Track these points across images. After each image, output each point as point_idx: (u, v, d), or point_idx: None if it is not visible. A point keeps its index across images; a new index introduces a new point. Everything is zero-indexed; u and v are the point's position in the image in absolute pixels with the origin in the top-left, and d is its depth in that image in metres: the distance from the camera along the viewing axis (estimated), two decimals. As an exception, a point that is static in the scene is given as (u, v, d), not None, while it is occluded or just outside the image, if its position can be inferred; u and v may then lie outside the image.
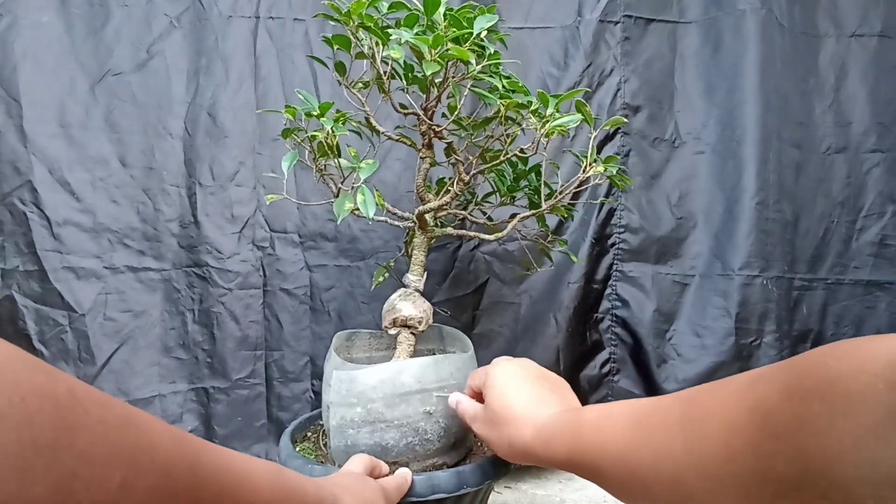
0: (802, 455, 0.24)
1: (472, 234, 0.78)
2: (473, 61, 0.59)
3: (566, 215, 0.81)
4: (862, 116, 1.05)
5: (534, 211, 0.74)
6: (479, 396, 0.59)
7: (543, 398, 0.51)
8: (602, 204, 1.05)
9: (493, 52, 0.62)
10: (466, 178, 0.70)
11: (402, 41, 0.58)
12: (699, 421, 0.30)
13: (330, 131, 0.59)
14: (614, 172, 0.69)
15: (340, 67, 0.68)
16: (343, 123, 0.61)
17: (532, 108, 0.63)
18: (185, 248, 1.01)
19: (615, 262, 1.06)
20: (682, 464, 0.31)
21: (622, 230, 1.06)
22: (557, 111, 0.63)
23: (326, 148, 0.60)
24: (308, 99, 0.63)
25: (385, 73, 0.65)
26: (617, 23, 1.05)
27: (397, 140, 0.72)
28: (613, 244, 1.06)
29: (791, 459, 0.24)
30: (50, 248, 0.98)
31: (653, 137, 1.07)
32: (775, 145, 1.02)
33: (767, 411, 0.26)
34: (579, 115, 0.63)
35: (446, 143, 0.71)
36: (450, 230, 0.77)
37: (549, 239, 0.86)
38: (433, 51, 0.57)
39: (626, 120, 0.71)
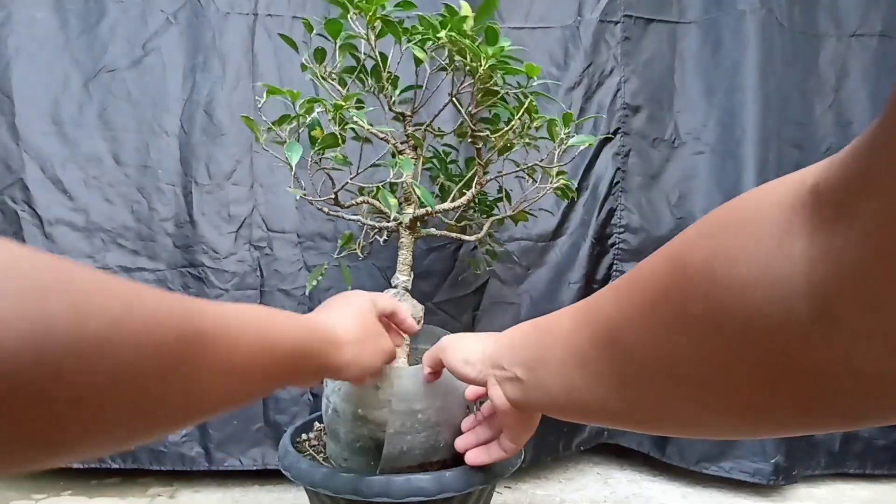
0: (714, 289, 0.24)
1: (453, 234, 0.78)
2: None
3: (525, 220, 0.84)
4: (862, 116, 1.06)
5: (503, 216, 0.80)
6: (439, 369, 0.60)
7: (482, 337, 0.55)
8: (602, 204, 1.04)
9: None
10: (484, 183, 0.72)
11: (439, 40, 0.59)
12: (630, 282, 0.31)
13: (337, 118, 0.59)
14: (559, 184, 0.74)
15: (320, 55, 0.68)
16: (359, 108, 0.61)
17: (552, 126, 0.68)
18: (180, 248, 0.99)
19: (615, 262, 1.06)
20: (614, 322, 0.32)
21: (622, 230, 1.05)
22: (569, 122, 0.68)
23: (332, 139, 0.60)
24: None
25: (377, 69, 0.65)
26: (617, 23, 1.04)
27: (381, 138, 0.71)
28: (613, 244, 1.06)
29: (705, 297, 0.25)
30: (42, 248, 0.96)
31: (653, 137, 1.06)
32: (775, 145, 1.02)
33: (681, 255, 0.27)
34: (591, 137, 0.71)
35: (476, 148, 0.72)
36: (433, 230, 0.77)
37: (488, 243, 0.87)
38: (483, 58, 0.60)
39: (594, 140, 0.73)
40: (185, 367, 0.27)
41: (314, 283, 0.80)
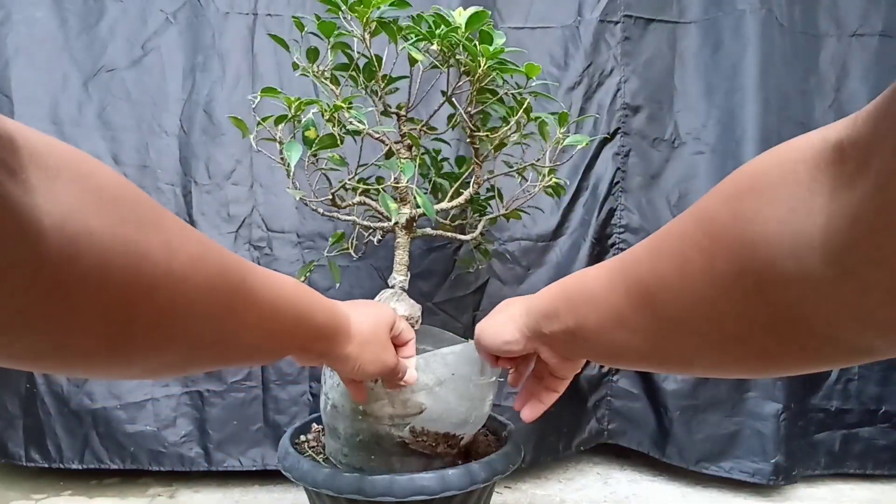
0: (738, 246, 0.26)
1: (448, 234, 0.78)
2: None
3: (518, 218, 0.85)
4: (862, 116, 1.05)
5: (495, 214, 0.80)
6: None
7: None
8: (602, 204, 1.04)
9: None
10: (482, 182, 0.72)
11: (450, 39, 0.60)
12: (660, 242, 0.33)
13: (336, 118, 0.59)
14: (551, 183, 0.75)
15: (313, 54, 0.68)
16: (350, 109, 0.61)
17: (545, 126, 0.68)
18: (180, 248, 0.99)
19: (615, 262, 1.05)
20: (648, 281, 0.33)
21: (622, 230, 1.05)
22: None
23: (330, 139, 0.60)
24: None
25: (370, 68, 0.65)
26: (617, 23, 1.04)
27: (377, 138, 0.71)
28: (613, 244, 1.06)
29: (729, 253, 0.26)
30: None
31: (653, 137, 1.06)
32: (775, 145, 1.01)
33: (709, 216, 0.28)
34: (586, 137, 0.71)
35: (474, 148, 0.72)
36: (429, 230, 0.77)
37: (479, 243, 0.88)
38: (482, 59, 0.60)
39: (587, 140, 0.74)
40: (235, 313, 0.32)
41: (301, 279, 0.80)
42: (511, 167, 0.76)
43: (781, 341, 0.27)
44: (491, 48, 0.61)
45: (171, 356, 0.30)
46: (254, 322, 0.34)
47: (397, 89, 0.73)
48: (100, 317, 0.23)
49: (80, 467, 0.97)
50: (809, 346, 0.26)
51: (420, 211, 0.71)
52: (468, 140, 0.72)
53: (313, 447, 0.75)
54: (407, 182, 0.64)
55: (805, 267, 0.23)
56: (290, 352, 0.44)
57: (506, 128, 0.68)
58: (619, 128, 1.05)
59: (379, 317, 0.56)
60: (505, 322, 0.54)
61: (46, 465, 0.97)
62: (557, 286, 0.48)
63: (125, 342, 0.25)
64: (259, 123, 0.64)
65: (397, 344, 0.61)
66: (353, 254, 0.79)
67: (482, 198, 0.82)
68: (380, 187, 0.68)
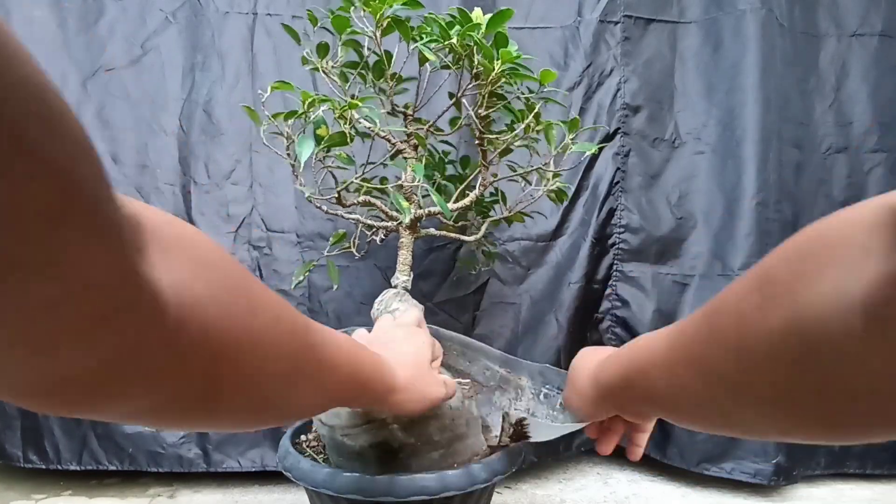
0: (792, 305, 0.26)
1: (452, 235, 0.78)
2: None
3: (521, 221, 0.85)
4: (863, 116, 1.06)
5: (499, 217, 0.81)
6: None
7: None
8: (602, 204, 1.04)
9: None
10: (488, 184, 0.72)
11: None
12: (720, 301, 0.33)
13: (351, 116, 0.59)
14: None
15: (323, 49, 0.68)
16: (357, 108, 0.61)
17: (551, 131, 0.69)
18: (179, 248, 0.99)
19: (615, 262, 1.05)
20: (703, 342, 0.34)
21: (622, 230, 1.05)
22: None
23: (341, 137, 0.60)
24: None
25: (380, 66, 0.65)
26: (617, 23, 1.04)
27: (384, 137, 0.71)
28: (613, 244, 1.06)
29: (784, 311, 0.27)
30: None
31: (653, 137, 1.06)
32: (775, 145, 1.02)
33: (768, 274, 0.29)
34: (593, 145, 0.73)
35: (481, 150, 0.72)
36: (432, 231, 0.77)
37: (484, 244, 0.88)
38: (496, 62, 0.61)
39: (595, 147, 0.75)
40: (300, 372, 0.34)
41: (300, 278, 0.80)
42: (514, 171, 0.76)
43: (833, 406, 0.26)
44: (512, 52, 0.61)
45: (245, 411, 0.32)
46: (317, 379, 0.36)
47: (406, 90, 0.73)
48: (200, 376, 0.26)
49: (78, 468, 0.97)
50: (857, 411, 0.26)
51: (425, 211, 0.71)
52: (476, 142, 0.72)
53: (313, 447, 0.75)
54: (419, 181, 0.64)
55: (848, 328, 0.23)
56: (337, 405, 0.45)
57: (516, 132, 0.68)
58: (619, 128, 1.05)
59: (418, 353, 0.55)
60: (579, 398, 0.56)
61: (44, 467, 0.97)
62: (624, 356, 0.48)
63: (215, 400, 0.28)
64: (270, 119, 0.64)
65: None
66: (355, 253, 0.79)
67: (486, 200, 0.82)
68: (390, 186, 0.68)
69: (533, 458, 1.02)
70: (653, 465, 1.07)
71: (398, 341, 0.55)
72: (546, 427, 0.63)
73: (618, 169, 1.05)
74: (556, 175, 0.73)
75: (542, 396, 0.64)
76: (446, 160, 0.82)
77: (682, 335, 0.37)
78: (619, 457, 1.12)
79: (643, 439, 0.60)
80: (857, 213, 0.25)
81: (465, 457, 0.66)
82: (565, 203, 1.03)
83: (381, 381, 0.47)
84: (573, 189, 1.03)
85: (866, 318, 0.22)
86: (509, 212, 0.78)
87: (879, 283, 0.22)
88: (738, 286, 0.31)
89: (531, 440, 0.63)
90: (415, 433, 0.63)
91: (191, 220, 0.98)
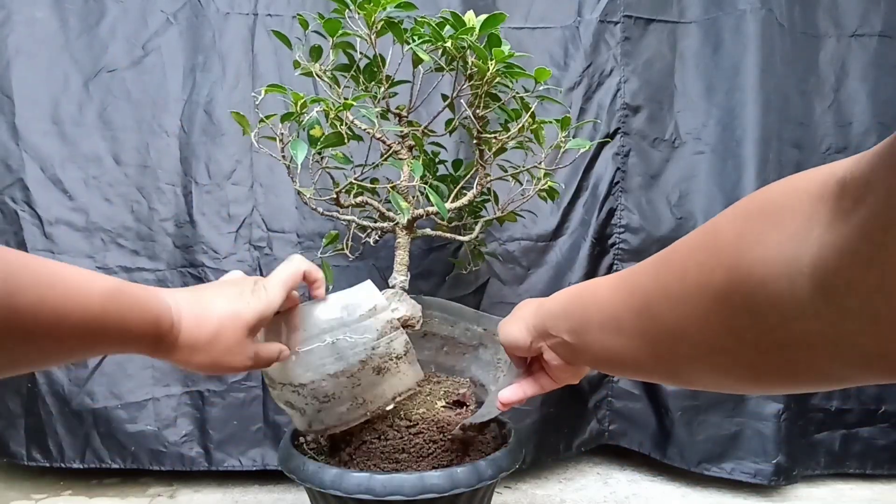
0: (736, 264, 0.28)
1: (447, 235, 0.78)
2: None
3: (514, 220, 0.86)
4: (862, 116, 1.06)
5: (492, 217, 0.81)
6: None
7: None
8: (602, 204, 1.04)
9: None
10: (486, 183, 0.72)
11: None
12: (667, 254, 0.35)
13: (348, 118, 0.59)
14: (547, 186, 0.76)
15: (316, 52, 0.68)
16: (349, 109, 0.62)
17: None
18: (180, 248, 0.99)
19: (615, 262, 1.06)
20: (649, 291, 0.35)
21: (622, 230, 1.05)
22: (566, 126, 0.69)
23: (336, 137, 0.60)
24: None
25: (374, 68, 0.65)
26: (617, 23, 1.04)
27: (378, 138, 0.71)
28: (614, 244, 1.06)
29: (727, 269, 0.28)
30: (42, 248, 0.96)
31: (653, 137, 1.06)
32: (775, 145, 1.02)
33: (716, 232, 0.30)
34: (587, 141, 0.72)
35: (478, 150, 0.72)
36: (428, 231, 0.77)
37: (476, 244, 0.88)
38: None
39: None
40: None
41: None
42: (506, 171, 0.76)
43: (766, 359, 0.28)
44: (504, 52, 0.61)
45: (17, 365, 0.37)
46: (31, 333, 0.36)
47: (396, 94, 0.73)
48: None
49: (81, 466, 0.97)
50: (790, 367, 0.28)
51: (422, 211, 0.71)
52: (474, 142, 0.72)
53: (313, 448, 0.75)
54: (420, 181, 0.64)
55: (794, 291, 0.25)
56: (99, 351, 0.46)
57: (512, 131, 0.68)
58: (619, 128, 1.05)
59: (228, 317, 0.51)
60: (516, 321, 0.55)
61: (48, 465, 0.97)
62: (569, 289, 0.50)
63: None
64: (261, 121, 0.65)
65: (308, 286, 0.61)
66: (349, 254, 0.79)
67: (477, 200, 0.82)
68: (388, 186, 0.68)
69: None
70: (653, 465, 1.07)
71: (207, 297, 0.52)
72: (479, 416, 0.65)
73: (618, 169, 1.05)
74: (546, 174, 0.73)
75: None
76: (437, 161, 0.82)
77: (627, 281, 0.39)
78: (620, 457, 1.13)
79: (549, 387, 0.57)
80: (804, 180, 0.26)
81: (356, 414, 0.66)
82: (565, 203, 1.03)
83: (153, 334, 0.46)
84: (573, 189, 1.03)
85: (813, 285, 0.24)
86: (501, 211, 0.79)
87: (824, 253, 0.23)
88: (688, 241, 0.33)
89: (482, 421, 0.65)
90: (282, 401, 0.65)
91: (192, 220, 0.99)
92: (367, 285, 0.64)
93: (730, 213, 0.30)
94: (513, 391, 0.59)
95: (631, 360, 0.39)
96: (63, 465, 0.97)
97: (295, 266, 0.59)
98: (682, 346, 0.33)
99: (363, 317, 0.62)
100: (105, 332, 0.41)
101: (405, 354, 0.64)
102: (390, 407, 0.66)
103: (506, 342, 0.57)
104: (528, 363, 0.60)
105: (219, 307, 0.51)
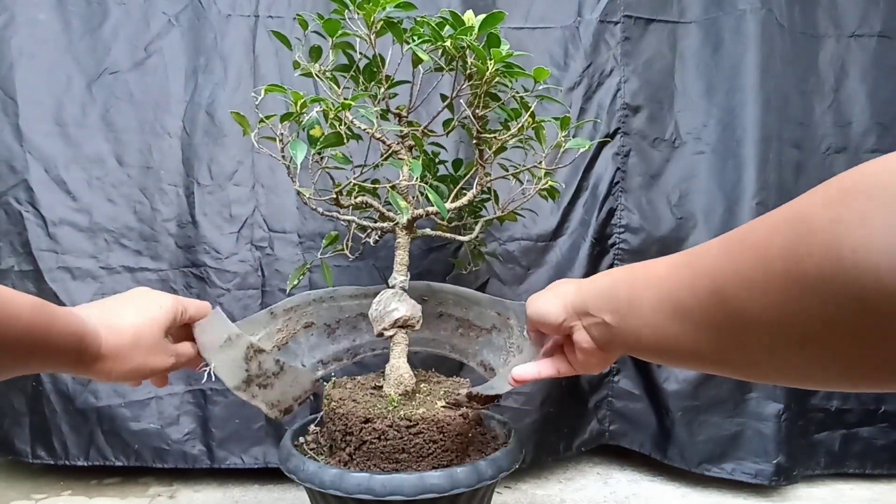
0: (834, 251, 0.25)
1: (447, 235, 0.78)
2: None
3: (514, 220, 0.86)
4: (862, 116, 1.06)
5: (492, 217, 0.81)
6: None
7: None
8: (602, 204, 1.04)
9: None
10: (485, 182, 0.72)
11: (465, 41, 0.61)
12: (742, 237, 0.32)
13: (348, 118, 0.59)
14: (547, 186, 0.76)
15: (316, 52, 0.68)
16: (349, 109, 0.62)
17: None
18: (182, 248, 1.00)
19: (615, 262, 1.06)
20: (720, 275, 0.32)
21: (622, 230, 1.06)
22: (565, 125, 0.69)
23: (336, 137, 0.60)
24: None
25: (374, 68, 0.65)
26: (617, 23, 1.05)
27: (378, 138, 0.72)
28: (614, 244, 1.06)
29: (823, 256, 0.26)
30: (45, 248, 0.97)
31: (653, 137, 1.06)
32: (775, 145, 1.02)
33: (804, 216, 0.28)
34: (587, 141, 0.71)
35: (478, 150, 0.72)
36: (428, 231, 0.78)
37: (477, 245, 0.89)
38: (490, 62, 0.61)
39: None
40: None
41: (295, 282, 0.81)
42: (506, 170, 0.77)
43: (867, 351, 0.26)
44: (502, 52, 0.61)
45: None
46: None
47: (396, 94, 0.74)
48: None
49: (84, 464, 0.98)
50: (890, 359, 0.25)
51: (422, 211, 0.71)
52: (474, 142, 0.72)
53: (313, 448, 0.75)
54: (419, 181, 0.65)
55: None
56: (25, 370, 0.45)
57: (512, 130, 0.68)
58: (619, 128, 1.05)
59: (144, 323, 0.54)
60: (552, 296, 0.53)
61: (52, 462, 0.98)
62: (617, 269, 0.46)
63: None
64: (261, 122, 0.65)
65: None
66: (349, 255, 0.80)
67: (477, 200, 0.83)
68: (387, 186, 0.69)
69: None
70: (653, 465, 1.08)
71: (115, 308, 0.54)
72: (488, 387, 0.64)
73: (618, 169, 1.05)
74: (547, 174, 0.73)
75: (526, 333, 0.64)
76: (436, 161, 0.83)
77: (689, 263, 0.36)
78: (620, 456, 1.13)
79: (568, 372, 0.55)
80: None
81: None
82: (565, 203, 1.04)
83: (80, 351, 0.47)
84: (573, 189, 1.03)
85: None
86: (502, 211, 0.79)
87: None
88: (764, 226, 0.30)
89: (489, 394, 0.64)
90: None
91: (194, 221, 1.00)
92: (217, 314, 0.63)
93: (818, 195, 0.28)
94: (528, 368, 0.57)
95: (688, 347, 0.36)
96: (67, 463, 0.98)
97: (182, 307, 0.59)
98: (763, 336, 0.30)
99: (223, 348, 0.63)
100: (34, 345, 0.42)
101: (281, 370, 0.69)
102: (301, 403, 0.73)
103: (536, 315, 0.54)
104: (548, 346, 0.58)
105: (130, 314, 0.54)
